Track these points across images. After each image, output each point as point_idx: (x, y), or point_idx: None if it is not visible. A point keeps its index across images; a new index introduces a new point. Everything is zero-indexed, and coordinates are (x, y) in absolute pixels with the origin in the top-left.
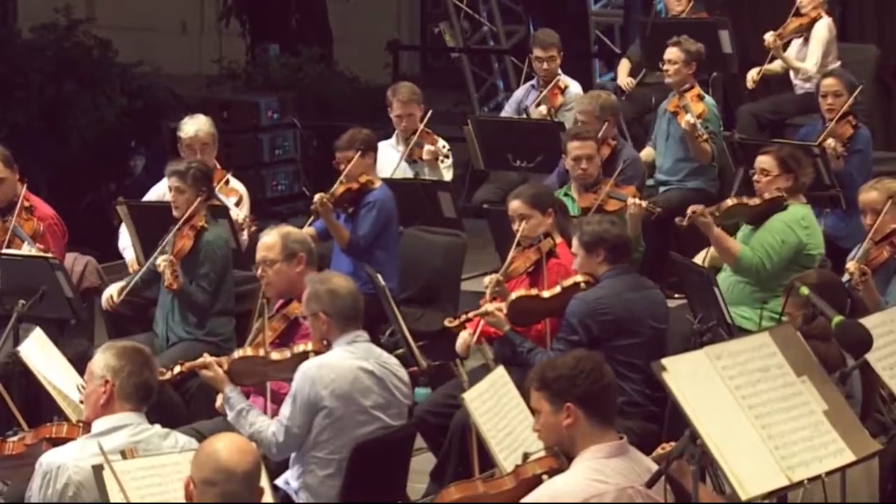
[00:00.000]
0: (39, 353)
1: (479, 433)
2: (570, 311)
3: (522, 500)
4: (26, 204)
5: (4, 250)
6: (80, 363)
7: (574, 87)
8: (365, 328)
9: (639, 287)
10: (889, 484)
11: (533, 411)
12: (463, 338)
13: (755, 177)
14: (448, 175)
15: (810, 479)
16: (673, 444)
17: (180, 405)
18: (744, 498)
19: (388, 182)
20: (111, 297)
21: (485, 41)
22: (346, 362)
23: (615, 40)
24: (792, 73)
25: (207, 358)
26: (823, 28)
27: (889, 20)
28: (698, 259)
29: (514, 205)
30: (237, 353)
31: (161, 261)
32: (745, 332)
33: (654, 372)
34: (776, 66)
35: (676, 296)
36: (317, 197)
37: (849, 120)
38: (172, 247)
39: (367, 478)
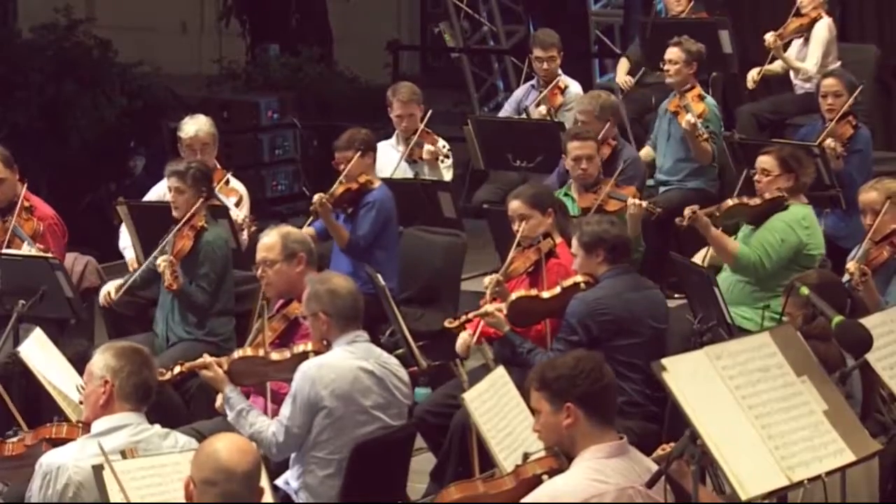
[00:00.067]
0: (39, 353)
1: (479, 433)
2: (570, 311)
3: (522, 500)
4: (26, 204)
5: (4, 250)
6: (80, 363)
7: (574, 87)
8: (365, 328)
9: (639, 287)
10: (889, 484)
11: (533, 411)
12: (463, 338)
13: (756, 177)
14: (448, 175)
15: (810, 479)
16: (673, 444)
17: (180, 405)
18: (744, 498)
19: (388, 182)
20: (109, 293)
21: (485, 41)
22: (346, 362)
23: (615, 40)
24: (792, 74)
25: (207, 358)
26: (824, 28)
27: (889, 20)
28: (698, 258)
29: (514, 205)
30: (237, 354)
31: (161, 261)
32: (745, 332)
33: (654, 372)
34: (776, 66)
35: (676, 296)
36: (316, 197)
37: (849, 120)
38: (172, 247)
39: (367, 478)
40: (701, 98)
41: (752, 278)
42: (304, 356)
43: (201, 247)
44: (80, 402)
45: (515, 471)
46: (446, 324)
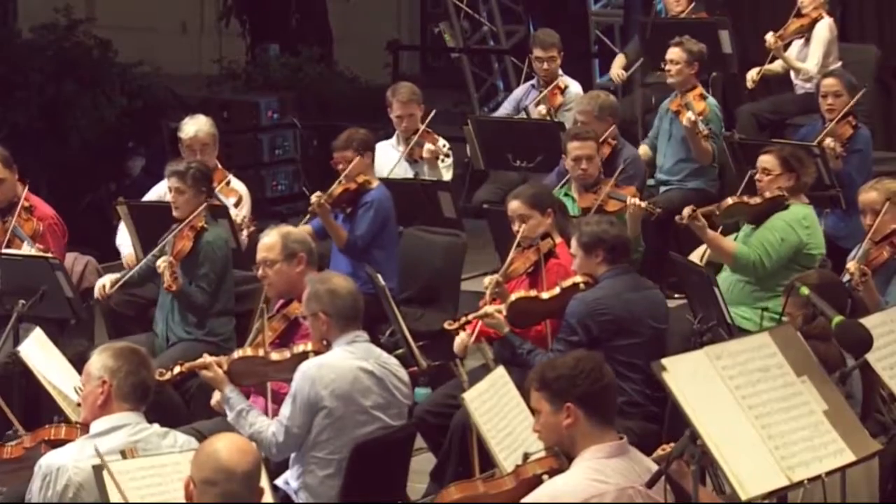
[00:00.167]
0: (39, 353)
1: (479, 433)
2: (570, 311)
3: (522, 500)
4: (26, 204)
5: (4, 250)
6: (80, 363)
7: (574, 87)
8: (365, 328)
9: (638, 287)
10: (889, 484)
11: (533, 411)
12: (460, 338)
13: (757, 176)
14: (448, 175)
15: (810, 479)
16: (673, 444)
17: (180, 405)
18: (744, 498)
19: (388, 182)
20: (104, 286)
21: (485, 41)
22: (345, 362)
23: (615, 40)
24: (792, 74)
25: (207, 358)
26: (824, 28)
27: (889, 20)
28: (696, 255)
29: (514, 205)
30: (237, 354)
31: (160, 262)
32: (745, 332)
33: (654, 372)
34: (776, 66)
35: (676, 296)
36: (314, 198)
37: (848, 120)
38: (172, 247)
39: (367, 478)
40: (702, 98)
41: (751, 277)
42: (304, 356)
43: (201, 247)
44: (79, 404)
45: (515, 471)
46: (446, 325)
